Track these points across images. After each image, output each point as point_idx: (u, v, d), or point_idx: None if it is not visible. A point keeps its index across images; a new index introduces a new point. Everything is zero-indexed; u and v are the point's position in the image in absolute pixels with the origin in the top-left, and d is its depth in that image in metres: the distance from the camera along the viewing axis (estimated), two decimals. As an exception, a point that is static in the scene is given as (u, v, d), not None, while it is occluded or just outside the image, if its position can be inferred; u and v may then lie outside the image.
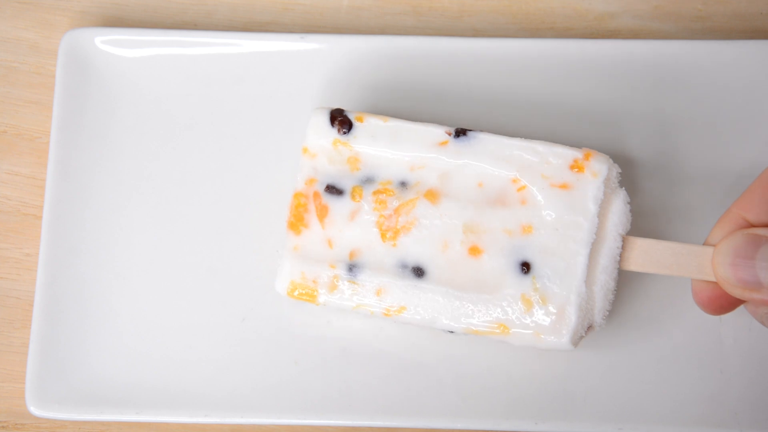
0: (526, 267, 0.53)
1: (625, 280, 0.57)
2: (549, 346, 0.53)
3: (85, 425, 0.58)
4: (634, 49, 0.59)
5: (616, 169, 0.54)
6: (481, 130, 0.54)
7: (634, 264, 0.53)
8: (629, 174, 0.58)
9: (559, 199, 0.53)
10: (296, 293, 0.55)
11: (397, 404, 0.56)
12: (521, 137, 0.55)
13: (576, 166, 0.53)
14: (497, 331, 0.53)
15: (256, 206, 0.59)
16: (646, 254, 0.53)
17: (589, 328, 0.53)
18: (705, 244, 0.51)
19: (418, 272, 0.54)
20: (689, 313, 0.56)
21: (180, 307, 0.58)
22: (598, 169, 0.53)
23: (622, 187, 0.54)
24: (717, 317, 0.56)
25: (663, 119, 0.58)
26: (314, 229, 0.55)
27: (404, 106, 0.59)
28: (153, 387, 0.56)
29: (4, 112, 0.62)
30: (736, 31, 0.61)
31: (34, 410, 0.56)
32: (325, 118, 0.55)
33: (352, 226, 0.54)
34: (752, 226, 0.50)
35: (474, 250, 0.54)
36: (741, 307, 0.56)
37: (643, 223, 0.57)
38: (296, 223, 0.55)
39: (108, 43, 0.60)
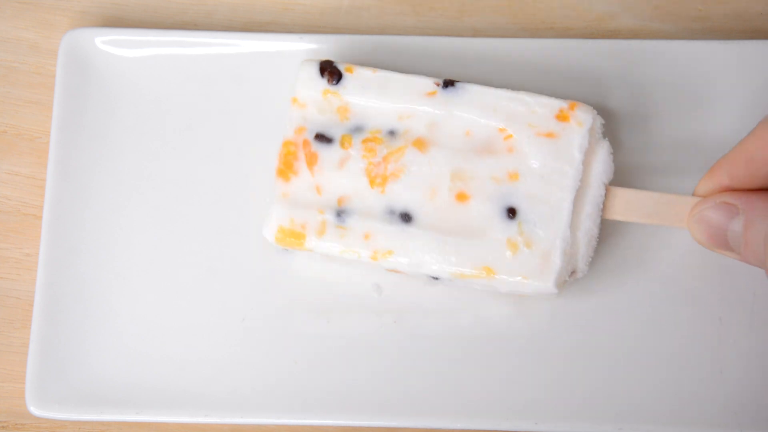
0: (512, 213, 0.54)
1: (625, 280, 0.57)
2: (534, 290, 0.54)
3: (85, 425, 0.58)
4: (634, 49, 0.59)
5: (599, 120, 0.55)
6: (469, 82, 0.55)
7: (616, 213, 0.55)
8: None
9: (544, 147, 0.54)
10: (284, 240, 0.55)
11: (397, 404, 0.56)
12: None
13: (561, 116, 0.54)
14: (483, 274, 0.54)
15: (256, 206, 0.59)
16: (628, 203, 0.54)
17: (572, 273, 0.54)
18: (694, 194, 0.53)
19: (406, 218, 0.55)
20: (689, 313, 0.56)
21: (180, 307, 0.58)
22: (583, 118, 0.54)
23: (605, 138, 0.55)
24: (717, 317, 0.56)
25: (663, 119, 0.58)
26: (303, 176, 0.55)
27: (404, 106, 0.59)
28: (153, 387, 0.56)
29: (4, 112, 0.62)
30: (736, 31, 0.61)
31: (34, 410, 0.56)
32: (315, 69, 0.56)
33: (340, 173, 0.55)
34: (733, 187, 0.51)
35: (461, 197, 0.54)
36: (741, 310, 0.56)
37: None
38: (285, 170, 0.55)
39: (108, 43, 0.60)
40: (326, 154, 0.55)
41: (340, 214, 0.55)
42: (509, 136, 0.54)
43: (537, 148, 0.54)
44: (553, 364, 0.56)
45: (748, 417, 0.55)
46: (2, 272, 0.60)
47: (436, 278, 0.55)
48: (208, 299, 0.58)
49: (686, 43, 0.59)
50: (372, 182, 0.55)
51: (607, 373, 0.56)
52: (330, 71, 0.56)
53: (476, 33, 0.61)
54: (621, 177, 0.56)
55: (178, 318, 0.57)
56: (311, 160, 0.55)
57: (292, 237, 0.55)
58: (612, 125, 0.58)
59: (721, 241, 0.52)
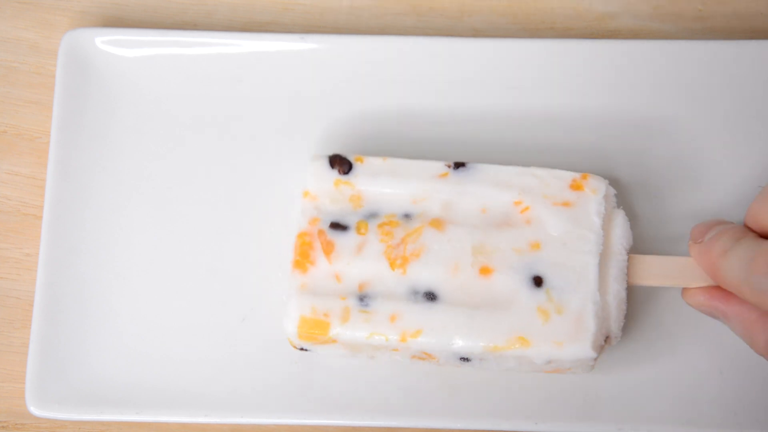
0: (538, 281, 0.53)
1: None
2: (571, 356, 0.52)
3: (85, 425, 0.58)
4: (634, 49, 0.59)
5: (612, 191, 0.55)
6: (479, 162, 0.55)
7: (640, 278, 0.54)
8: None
9: (563, 215, 0.54)
10: (307, 332, 0.54)
11: (397, 404, 0.56)
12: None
13: (575, 186, 0.55)
14: (517, 344, 0.53)
15: (256, 206, 0.59)
16: (651, 269, 0.54)
17: (606, 339, 0.53)
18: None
19: (431, 296, 0.54)
20: (688, 314, 0.56)
21: (180, 307, 0.58)
22: (597, 186, 0.55)
23: (620, 207, 0.55)
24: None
25: (662, 120, 0.58)
26: (321, 265, 0.54)
27: (404, 107, 0.59)
28: (153, 387, 0.56)
29: (4, 112, 0.62)
30: (736, 31, 0.61)
31: (34, 410, 0.56)
32: (325, 162, 0.56)
33: (359, 259, 0.54)
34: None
35: (484, 270, 0.54)
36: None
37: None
38: (302, 260, 0.54)
39: (108, 43, 0.60)
40: (343, 241, 0.54)
41: (362, 299, 0.54)
42: (526, 208, 0.54)
43: (555, 216, 0.54)
44: (553, 364, 0.56)
45: (748, 417, 0.55)
46: (2, 272, 0.60)
47: (467, 359, 0.54)
48: (208, 299, 0.58)
49: (686, 43, 0.59)
50: (392, 264, 0.54)
51: (606, 373, 0.56)
52: (340, 162, 0.56)
53: (476, 33, 0.61)
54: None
55: (178, 318, 0.57)
56: (328, 249, 0.54)
57: (316, 328, 0.53)
58: (611, 130, 0.58)
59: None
